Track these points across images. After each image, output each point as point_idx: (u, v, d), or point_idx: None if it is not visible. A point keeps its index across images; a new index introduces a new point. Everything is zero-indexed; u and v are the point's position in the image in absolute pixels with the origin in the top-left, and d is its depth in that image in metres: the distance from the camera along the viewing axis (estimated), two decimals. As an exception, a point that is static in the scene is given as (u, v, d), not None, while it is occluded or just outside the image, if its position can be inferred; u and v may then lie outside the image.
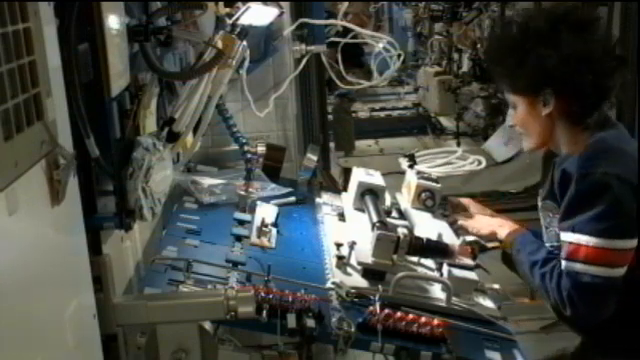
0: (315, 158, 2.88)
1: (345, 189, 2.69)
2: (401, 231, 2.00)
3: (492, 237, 2.16)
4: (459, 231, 2.27)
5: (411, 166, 2.57)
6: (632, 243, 1.84)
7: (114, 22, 1.42)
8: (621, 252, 1.84)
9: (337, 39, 3.18)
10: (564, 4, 1.95)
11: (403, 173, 2.59)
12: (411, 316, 1.75)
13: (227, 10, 2.27)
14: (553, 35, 1.90)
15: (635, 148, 1.95)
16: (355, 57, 4.15)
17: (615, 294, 1.85)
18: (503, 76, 2.04)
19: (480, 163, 2.56)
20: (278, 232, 2.24)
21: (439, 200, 2.40)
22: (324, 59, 3.10)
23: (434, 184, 2.42)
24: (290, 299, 1.69)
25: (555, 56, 1.88)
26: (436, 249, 2.02)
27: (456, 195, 2.74)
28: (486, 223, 2.22)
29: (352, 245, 2.01)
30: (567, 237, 1.88)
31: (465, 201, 2.40)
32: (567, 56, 1.87)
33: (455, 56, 6.87)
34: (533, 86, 1.94)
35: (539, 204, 2.06)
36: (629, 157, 1.89)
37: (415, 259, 2.07)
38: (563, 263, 1.88)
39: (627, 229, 1.84)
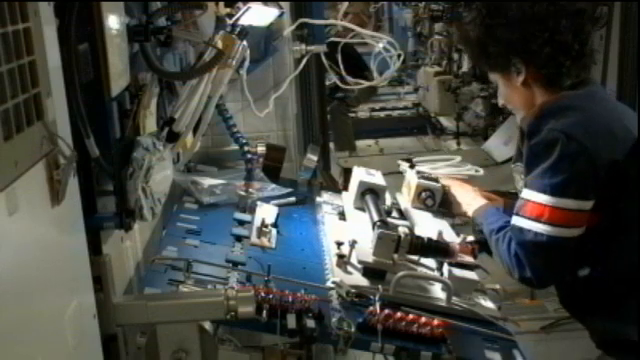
0: (315, 158, 2.88)
1: (345, 189, 2.69)
2: (402, 230, 2.00)
3: (463, 216, 2.20)
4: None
5: (411, 166, 2.57)
6: (581, 204, 1.81)
7: (114, 22, 1.42)
8: (567, 212, 1.81)
9: (337, 39, 3.18)
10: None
11: (403, 173, 2.59)
12: (411, 316, 1.75)
13: (227, 10, 2.27)
14: (500, 5, 1.93)
15: (605, 108, 1.93)
16: (359, 70, 4.11)
17: (564, 255, 1.84)
18: (476, 58, 2.09)
19: (477, 172, 2.55)
20: (278, 232, 2.24)
21: (439, 200, 2.40)
22: (324, 60, 3.10)
23: (434, 184, 2.42)
24: (290, 299, 1.69)
25: (506, 24, 1.91)
26: (437, 248, 2.02)
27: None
28: (460, 202, 2.26)
29: (353, 244, 2.01)
30: (521, 194, 1.90)
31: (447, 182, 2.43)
32: (517, 21, 1.90)
33: (455, 56, 6.86)
34: (501, 59, 1.97)
35: (512, 167, 2.09)
36: (586, 115, 1.86)
37: (415, 258, 2.07)
38: (512, 219, 1.89)
39: (573, 188, 1.80)
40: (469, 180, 2.46)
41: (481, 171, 2.49)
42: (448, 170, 2.51)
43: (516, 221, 1.88)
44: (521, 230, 1.86)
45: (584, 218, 1.82)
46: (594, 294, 1.92)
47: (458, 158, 2.54)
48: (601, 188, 1.81)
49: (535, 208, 1.83)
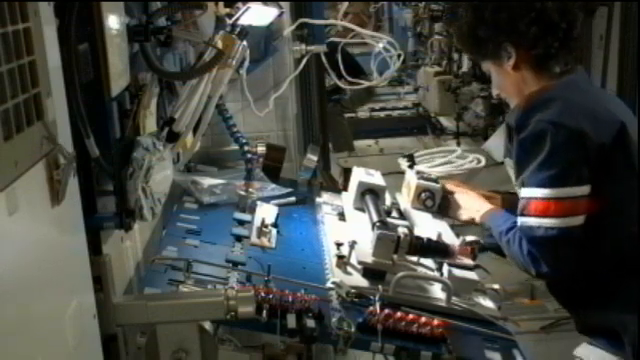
0: (315, 158, 2.88)
1: (345, 189, 2.69)
2: (401, 231, 2.00)
3: (471, 223, 2.19)
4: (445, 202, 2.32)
5: (411, 166, 2.57)
6: (582, 190, 1.82)
7: (114, 22, 1.42)
8: (572, 200, 1.82)
9: (337, 39, 3.19)
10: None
11: (403, 173, 2.59)
12: (411, 316, 1.75)
13: (227, 10, 2.27)
14: None
15: (587, 95, 1.96)
16: (355, 74, 4.12)
17: (575, 244, 1.84)
18: (468, 46, 2.10)
19: (480, 161, 2.57)
20: (278, 232, 2.24)
21: (439, 200, 2.40)
22: (324, 60, 3.10)
23: (434, 184, 2.41)
24: (290, 299, 1.69)
25: (493, 7, 1.94)
26: (436, 249, 2.02)
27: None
28: (467, 208, 2.25)
29: (352, 244, 2.01)
30: (521, 193, 1.90)
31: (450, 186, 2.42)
32: (504, 2, 1.93)
33: (455, 56, 6.86)
34: (491, 44, 1.98)
35: (505, 161, 2.10)
36: (569, 103, 1.88)
37: (415, 259, 2.07)
38: (518, 220, 1.89)
39: (572, 176, 1.82)
40: (470, 183, 2.45)
41: (483, 161, 2.48)
42: (449, 166, 2.51)
43: (524, 221, 1.88)
44: (531, 228, 1.86)
45: (587, 203, 1.83)
46: (580, 280, 1.93)
47: (458, 151, 2.55)
48: (592, 171, 1.82)
49: (540, 204, 1.83)
